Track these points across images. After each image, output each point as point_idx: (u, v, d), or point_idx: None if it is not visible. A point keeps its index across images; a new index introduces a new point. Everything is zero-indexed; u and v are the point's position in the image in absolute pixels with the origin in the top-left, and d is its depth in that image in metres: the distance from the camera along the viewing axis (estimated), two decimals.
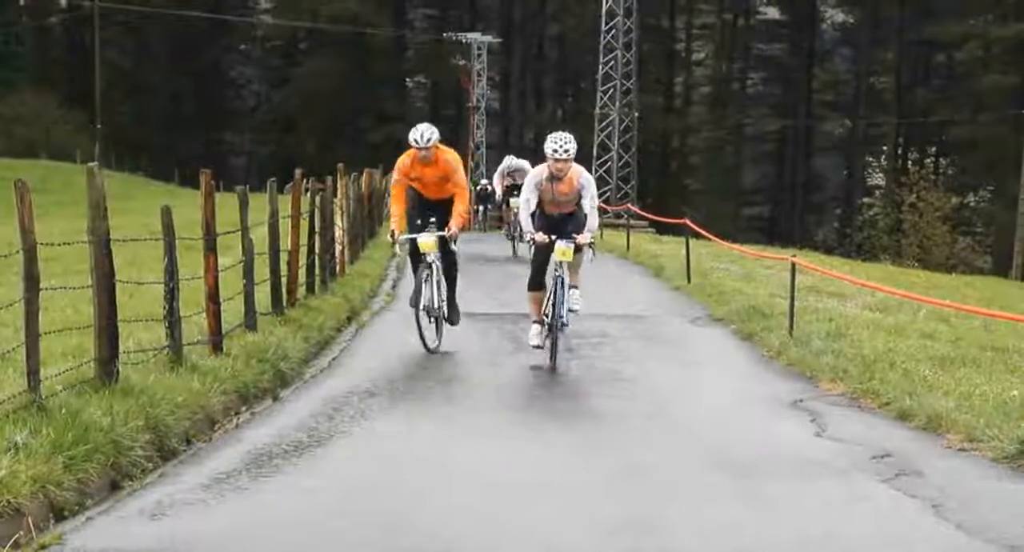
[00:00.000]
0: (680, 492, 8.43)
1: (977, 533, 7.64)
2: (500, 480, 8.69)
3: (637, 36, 73.41)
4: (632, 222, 38.77)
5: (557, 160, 13.61)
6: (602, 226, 43.04)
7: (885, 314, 18.54)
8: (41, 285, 8.87)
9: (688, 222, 25.49)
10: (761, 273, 24.31)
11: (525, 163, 27.83)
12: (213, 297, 12.67)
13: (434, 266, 14.62)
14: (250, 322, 14.13)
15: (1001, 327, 18.19)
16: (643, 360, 14.69)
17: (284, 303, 16.09)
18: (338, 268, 21.77)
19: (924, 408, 11.20)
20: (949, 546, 7.45)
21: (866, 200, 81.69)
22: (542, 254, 13.95)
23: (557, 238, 13.71)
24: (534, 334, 14.20)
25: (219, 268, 12.94)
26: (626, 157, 71.74)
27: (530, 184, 13.95)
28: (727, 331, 17.30)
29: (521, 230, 27.98)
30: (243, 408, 11.45)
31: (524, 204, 13.95)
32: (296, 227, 17.32)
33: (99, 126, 76.75)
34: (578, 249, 13.84)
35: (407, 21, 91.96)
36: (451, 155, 14.78)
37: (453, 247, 14.75)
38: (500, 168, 29.47)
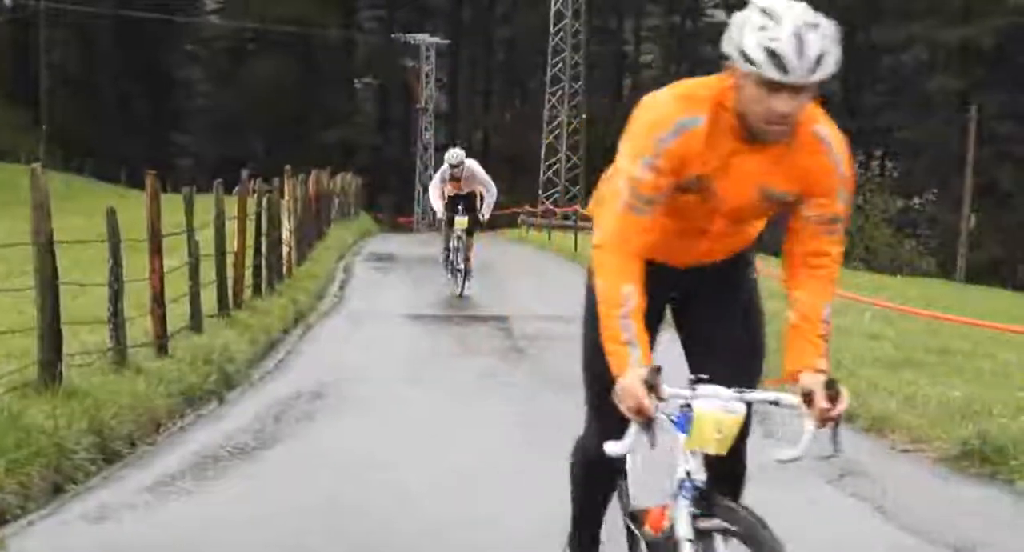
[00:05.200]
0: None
1: (921, 534, 7.69)
2: (444, 482, 8.68)
3: (585, 38, 73.55)
4: (580, 224, 38.80)
5: None
6: (552, 228, 43.44)
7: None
8: None
9: None
10: None
11: (473, 163, 21.55)
12: (158, 299, 12.60)
13: None
14: (196, 324, 14.06)
15: (945, 329, 18.32)
16: None
17: (230, 305, 16.03)
18: (285, 269, 21.69)
19: (869, 409, 11.26)
20: (893, 547, 7.49)
21: None
22: None
23: None
24: None
25: (165, 270, 12.87)
26: (574, 159, 71.86)
27: None
28: (673, 333, 17.31)
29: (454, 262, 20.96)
30: (188, 410, 11.38)
31: None
32: (243, 229, 17.26)
33: (44, 126, 76.15)
34: None
35: (355, 22, 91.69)
36: None
37: None
38: (439, 173, 21.72)
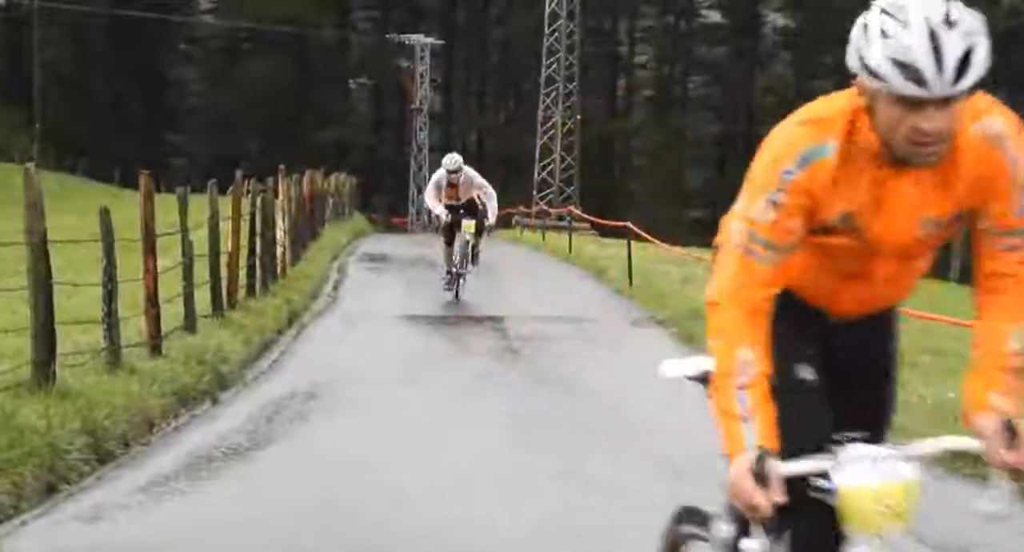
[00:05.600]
0: (628, 501, 8.41)
1: (915, 534, 7.66)
2: (439, 483, 8.67)
3: (580, 39, 73.56)
4: (574, 225, 38.82)
5: None
6: (546, 229, 43.48)
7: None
8: None
9: (630, 225, 25.48)
10: (703, 276, 24.36)
11: (469, 169, 20.69)
12: (152, 299, 12.58)
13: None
14: (189, 324, 14.04)
15: (939, 330, 18.29)
16: (583, 361, 14.69)
17: (224, 305, 16.01)
18: (279, 270, 21.67)
19: None
20: None
21: None
22: None
23: None
24: None
25: (159, 270, 12.86)
26: (568, 160, 71.87)
27: None
28: (668, 333, 17.33)
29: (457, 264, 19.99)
30: (182, 410, 11.36)
31: None
32: (237, 229, 17.25)
33: (37, 125, 76.09)
34: None
35: (349, 22, 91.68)
36: None
37: None
38: (434, 180, 20.74)
